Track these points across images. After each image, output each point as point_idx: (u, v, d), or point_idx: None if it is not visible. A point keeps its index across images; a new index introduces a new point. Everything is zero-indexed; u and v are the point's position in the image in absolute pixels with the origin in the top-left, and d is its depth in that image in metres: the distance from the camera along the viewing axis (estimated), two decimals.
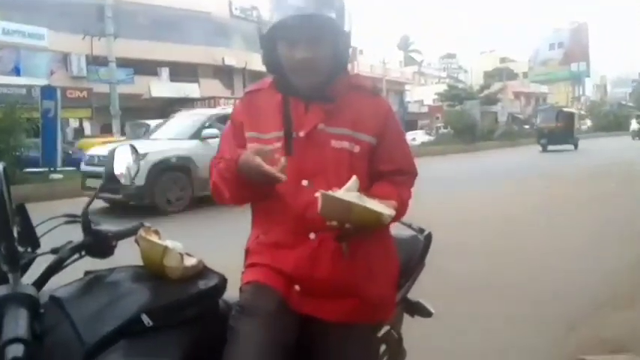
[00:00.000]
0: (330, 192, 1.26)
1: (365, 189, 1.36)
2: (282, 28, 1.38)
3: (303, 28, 1.36)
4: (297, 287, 1.41)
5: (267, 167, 1.29)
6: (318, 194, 1.26)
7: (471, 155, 22.86)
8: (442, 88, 40.90)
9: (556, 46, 43.84)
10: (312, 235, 1.40)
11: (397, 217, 1.41)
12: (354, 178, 1.31)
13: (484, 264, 4.86)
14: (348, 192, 1.28)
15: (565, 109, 29.37)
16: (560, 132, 25.16)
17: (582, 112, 49.71)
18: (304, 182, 1.41)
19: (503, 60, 59.23)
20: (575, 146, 25.41)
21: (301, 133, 1.42)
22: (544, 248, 5.47)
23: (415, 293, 1.82)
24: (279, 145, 1.41)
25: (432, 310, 1.86)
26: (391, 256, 1.55)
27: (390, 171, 1.49)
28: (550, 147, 24.39)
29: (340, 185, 1.31)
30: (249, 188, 1.39)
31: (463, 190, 10.23)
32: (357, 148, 1.43)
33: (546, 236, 6.07)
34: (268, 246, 1.45)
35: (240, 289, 1.44)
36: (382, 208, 1.28)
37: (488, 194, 9.74)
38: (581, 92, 55.86)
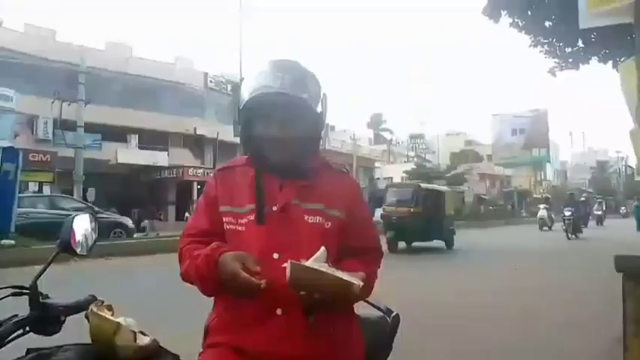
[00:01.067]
0: (299, 262, 1.26)
1: (334, 263, 1.36)
2: (255, 107, 1.44)
3: (276, 107, 1.42)
4: None
5: (243, 275, 1.28)
6: (287, 264, 1.26)
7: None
8: (410, 166, 41.95)
9: (518, 132, 45.89)
10: (279, 311, 1.36)
11: (363, 295, 1.38)
12: (322, 248, 1.32)
13: (454, 347, 4.74)
14: (317, 262, 1.28)
15: (425, 186, 17.29)
16: (420, 221, 14.55)
17: (547, 195, 51.43)
18: (275, 255, 1.40)
19: (468, 142, 61.64)
20: (448, 244, 15.56)
21: (275, 207, 1.44)
22: (516, 331, 5.38)
23: None
24: (252, 217, 1.43)
25: None
26: (356, 336, 1.51)
27: (358, 247, 1.51)
28: (407, 244, 15.06)
29: (310, 257, 1.31)
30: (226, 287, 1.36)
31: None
32: (328, 224, 1.45)
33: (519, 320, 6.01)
34: (231, 324, 1.40)
35: None
36: (352, 278, 1.27)
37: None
38: (542, 177, 58.05)
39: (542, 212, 26.02)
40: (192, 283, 1.45)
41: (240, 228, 1.46)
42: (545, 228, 25.06)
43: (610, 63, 8.79)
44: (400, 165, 47.81)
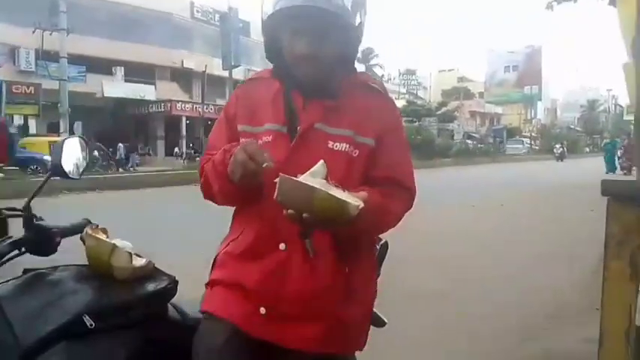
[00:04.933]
0: (290, 177, 1.11)
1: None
2: (286, 17, 1.25)
3: (309, 20, 1.24)
4: (262, 310, 1.25)
5: (241, 156, 1.16)
6: (277, 179, 1.11)
7: (429, 171, 23.31)
8: (401, 103, 41.69)
9: (511, 69, 45.60)
10: (282, 246, 1.25)
11: (366, 222, 1.17)
12: (320, 162, 1.16)
13: (438, 275, 4.92)
14: (312, 177, 1.13)
15: None
16: None
17: (533, 134, 51.77)
18: None
19: (461, 79, 60.97)
20: None
21: (297, 129, 1.29)
22: (495, 262, 5.57)
23: None
24: (269, 139, 1.29)
25: (386, 320, 1.82)
26: (374, 273, 1.40)
27: (381, 177, 1.30)
28: None
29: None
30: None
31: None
32: (356, 152, 1.28)
33: (499, 251, 6.21)
34: (234, 257, 1.31)
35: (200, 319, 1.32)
36: (349, 197, 1.11)
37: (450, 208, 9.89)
38: (533, 115, 58.15)
39: (558, 148, 37.47)
40: (209, 195, 1.36)
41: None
42: (560, 160, 33.95)
43: None
44: None
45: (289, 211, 1.11)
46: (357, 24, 1.30)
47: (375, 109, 1.33)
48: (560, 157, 36.96)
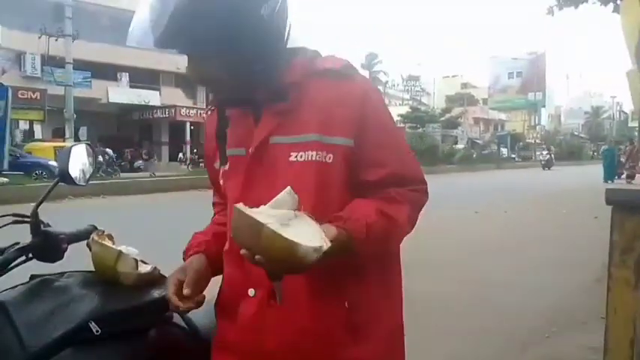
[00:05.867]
0: (248, 208, 0.91)
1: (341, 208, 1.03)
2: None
3: (177, 41, 1.01)
4: None
5: (169, 294, 1.10)
6: (235, 205, 0.92)
7: (432, 177, 23.24)
8: (405, 109, 41.75)
9: (515, 75, 45.64)
10: (250, 292, 1.05)
11: (385, 245, 1.06)
12: (287, 189, 0.94)
13: (439, 280, 4.91)
14: (275, 208, 0.93)
15: None
16: None
17: (537, 141, 51.65)
18: None
19: (464, 85, 61.15)
20: None
21: (250, 150, 1.08)
22: (501, 268, 5.56)
23: None
24: (226, 167, 1.13)
25: None
26: (395, 291, 1.14)
27: (378, 180, 1.07)
28: None
29: (307, 210, 0.95)
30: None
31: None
32: (330, 157, 1.04)
33: (505, 257, 6.19)
34: (218, 312, 1.17)
35: None
36: (309, 237, 0.89)
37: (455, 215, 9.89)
38: (537, 121, 58.15)
39: (544, 155, 34.17)
40: None
41: (222, 182, 1.16)
42: (546, 168, 31.40)
43: (611, 6, 8.61)
44: (395, 108, 47.55)
45: (242, 250, 0.91)
46: (263, 14, 1.00)
47: (343, 99, 1.06)
48: (547, 165, 33.30)
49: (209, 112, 1.21)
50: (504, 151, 42.43)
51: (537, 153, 38.02)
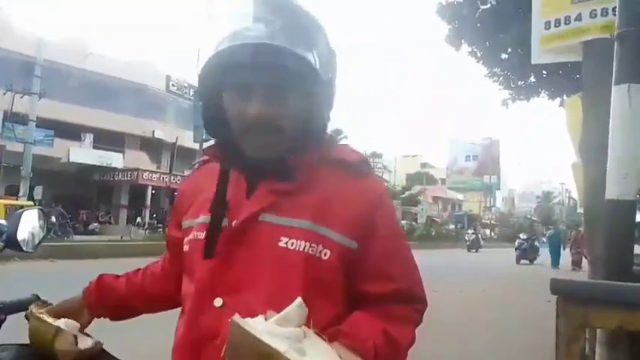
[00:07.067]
0: (249, 319, 0.76)
1: (338, 320, 0.91)
2: (224, 67, 0.92)
3: (259, 67, 0.89)
4: None
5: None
6: (232, 318, 0.76)
7: None
8: None
9: (471, 158, 47.39)
10: None
11: None
12: (297, 301, 0.80)
13: None
14: (281, 325, 0.77)
15: None
16: None
17: (493, 222, 52.97)
18: (217, 301, 0.92)
19: (424, 165, 63.01)
20: None
21: (233, 223, 0.95)
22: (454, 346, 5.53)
23: None
24: (200, 235, 0.98)
25: None
26: None
27: (382, 294, 0.96)
28: None
29: (281, 309, 0.80)
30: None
31: None
32: (326, 254, 0.92)
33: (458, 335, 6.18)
34: None
35: None
36: None
37: None
38: (492, 203, 59.97)
39: (470, 235, 31.69)
40: None
41: (185, 248, 1.02)
42: (472, 250, 29.31)
43: (558, 100, 9.27)
44: None
45: None
46: (325, 78, 0.95)
47: (353, 196, 0.96)
48: (473, 246, 29.66)
49: (196, 166, 1.13)
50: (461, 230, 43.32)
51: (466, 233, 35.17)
